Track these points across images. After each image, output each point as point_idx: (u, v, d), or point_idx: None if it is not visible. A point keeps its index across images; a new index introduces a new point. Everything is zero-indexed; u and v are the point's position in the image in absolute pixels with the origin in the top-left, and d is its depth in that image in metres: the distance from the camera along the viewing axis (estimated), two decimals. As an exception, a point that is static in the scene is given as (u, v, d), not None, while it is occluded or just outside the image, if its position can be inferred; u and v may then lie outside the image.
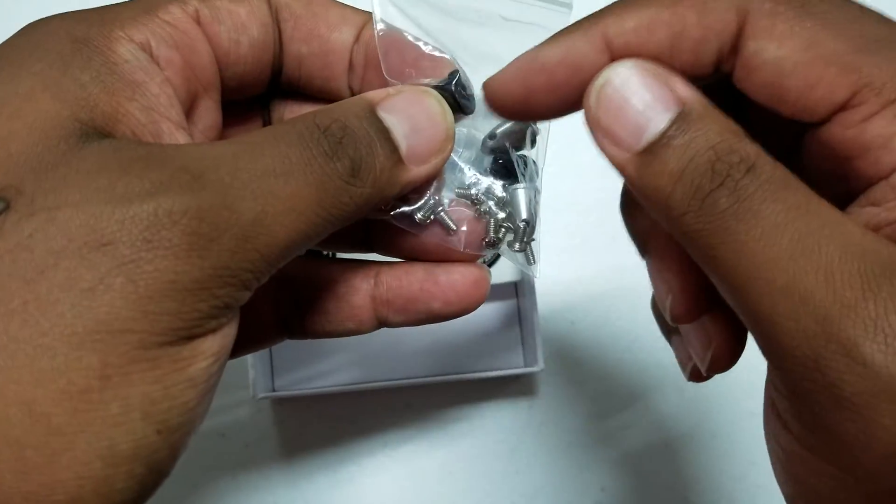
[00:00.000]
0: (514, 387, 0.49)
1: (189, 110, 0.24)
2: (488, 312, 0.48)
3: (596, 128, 0.21)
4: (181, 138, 0.22)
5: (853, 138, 0.20)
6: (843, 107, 0.20)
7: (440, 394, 0.48)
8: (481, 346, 0.48)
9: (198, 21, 0.23)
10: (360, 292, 0.27)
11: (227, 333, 0.20)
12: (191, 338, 0.19)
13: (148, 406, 0.18)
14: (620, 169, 0.21)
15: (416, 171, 0.23)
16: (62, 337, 0.17)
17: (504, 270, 0.46)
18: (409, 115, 0.23)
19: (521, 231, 0.25)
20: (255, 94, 0.26)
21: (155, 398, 0.18)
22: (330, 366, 0.47)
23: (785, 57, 0.20)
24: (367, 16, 0.25)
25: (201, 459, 0.47)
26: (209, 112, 0.25)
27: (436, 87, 0.24)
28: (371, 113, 0.22)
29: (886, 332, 0.17)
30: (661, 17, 0.21)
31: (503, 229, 0.25)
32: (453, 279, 0.26)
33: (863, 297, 0.17)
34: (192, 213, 0.18)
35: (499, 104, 0.23)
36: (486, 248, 0.26)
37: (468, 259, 0.26)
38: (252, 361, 0.43)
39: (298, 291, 0.27)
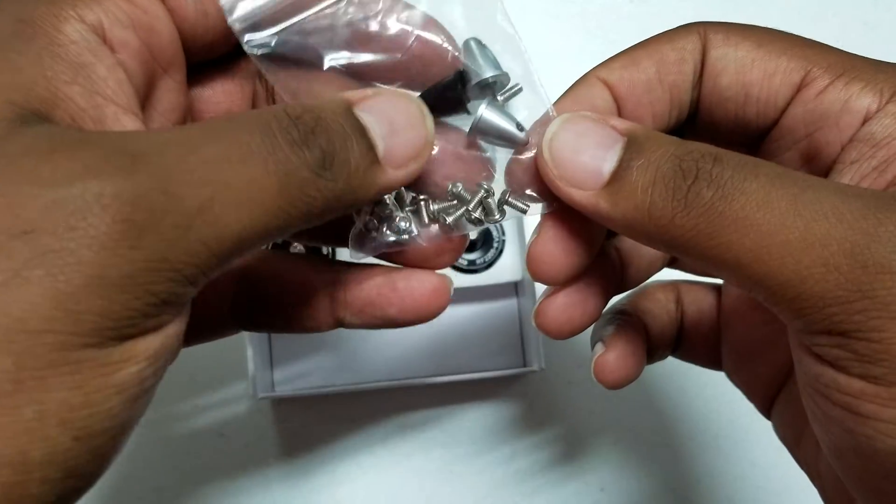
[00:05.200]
0: (514, 387, 0.49)
1: (148, 93, 0.23)
2: (488, 312, 0.48)
3: (557, 179, 0.23)
4: (129, 124, 0.20)
5: (813, 110, 0.23)
6: (799, 87, 0.23)
7: (440, 394, 0.48)
8: (481, 346, 0.48)
9: None
10: (320, 291, 0.26)
11: (170, 333, 0.18)
12: (123, 338, 0.17)
13: (66, 413, 0.16)
14: (592, 208, 0.22)
15: (392, 175, 0.22)
16: None
17: (504, 270, 0.46)
18: (388, 116, 0.22)
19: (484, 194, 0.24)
20: (222, 53, 0.25)
21: (74, 405, 0.16)
22: (330, 366, 0.47)
23: (743, 56, 0.24)
24: None
25: (201, 459, 0.47)
26: (171, 93, 0.23)
27: (444, 86, 0.24)
28: (347, 110, 0.21)
29: None
30: (640, 53, 0.25)
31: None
32: (411, 286, 0.25)
33: (879, 222, 0.19)
34: (125, 197, 0.16)
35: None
36: (467, 227, 0.25)
37: (443, 262, 0.26)
38: (252, 361, 0.43)
39: (255, 283, 0.26)
